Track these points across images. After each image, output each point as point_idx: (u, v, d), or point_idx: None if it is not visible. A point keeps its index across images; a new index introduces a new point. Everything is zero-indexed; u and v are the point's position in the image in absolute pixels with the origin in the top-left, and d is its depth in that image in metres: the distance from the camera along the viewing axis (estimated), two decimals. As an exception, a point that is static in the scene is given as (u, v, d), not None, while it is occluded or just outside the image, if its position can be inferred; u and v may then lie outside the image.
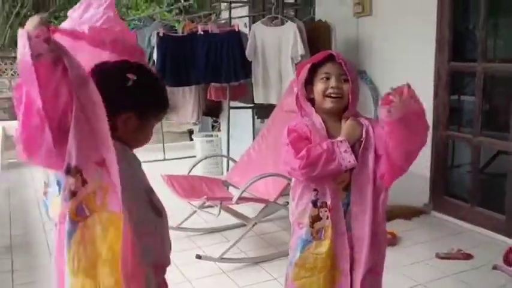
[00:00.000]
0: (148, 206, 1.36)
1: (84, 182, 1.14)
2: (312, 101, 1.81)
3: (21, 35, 1.03)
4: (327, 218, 1.74)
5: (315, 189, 1.74)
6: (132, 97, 1.27)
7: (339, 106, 1.76)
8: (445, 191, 3.99)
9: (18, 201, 4.49)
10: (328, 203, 1.73)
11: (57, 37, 1.13)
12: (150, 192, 1.40)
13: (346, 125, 1.74)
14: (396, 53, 4.21)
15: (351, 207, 1.77)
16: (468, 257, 3.16)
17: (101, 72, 1.26)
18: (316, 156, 1.64)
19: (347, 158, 1.66)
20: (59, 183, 1.18)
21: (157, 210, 1.39)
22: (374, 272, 1.82)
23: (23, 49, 1.02)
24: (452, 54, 3.79)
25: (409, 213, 3.95)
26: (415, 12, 3.99)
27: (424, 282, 2.85)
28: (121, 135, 1.30)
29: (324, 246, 1.74)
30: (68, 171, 1.14)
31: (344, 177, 1.75)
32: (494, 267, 3.00)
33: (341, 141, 1.68)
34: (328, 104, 1.75)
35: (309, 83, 1.80)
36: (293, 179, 1.85)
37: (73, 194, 1.15)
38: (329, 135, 1.75)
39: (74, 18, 1.23)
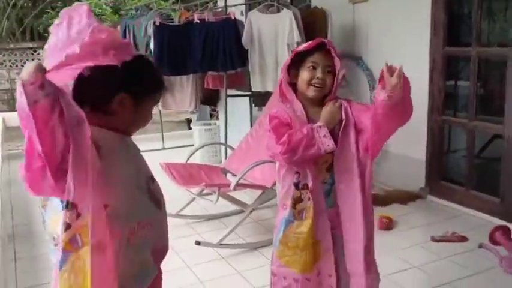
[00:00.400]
0: (147, 196, 1.38)
1: (78, 215, 1.20)
2: (293, 86, 1.88)
3: (19, 84, 1.06)
4: (308, 199, 1.82)
5: (297, 172, 1.82)
6: (123, 78, 1.28)
7: (321, 95, 1.84)
8: (441, 175, 4.03)
9: (20, 191, 4.53)
10: (309, 184, 1.81)
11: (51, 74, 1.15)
12: (149, 181, 1.42)
13: (325, 111, 1.81)
14: (392, 39, 4.23)
15: (337, 186, 1.85)
16: (463, 239, 3.21)
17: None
18: (296, 142, 1.71)
19: (326, 143, 1.74)
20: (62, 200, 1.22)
21: (157, 201, 1.42)
22: (368, 248, 1.88)
23: (20, 97, 1.06)
24: (448, 39, 3.81)
25: (405, 197, 4.00)
26: (410, -3, 4.00)
27: (419, 265, 2.90)
28: (119, 121, 1.32)
29: (305, 225, 1.82)
30: (66, 207, 1.20)
31: (326, 158, 1.83)
32: (480, 246, 3.08)
33: (320, 127, 1.76)
34: (311, 92, 1.83)
35: (292, 67, 1.86)
36: (277, 163, 1.92)
37: (68, 226, 1.21)
38: (309, 120, 1.82)
39: (61, 39, 1.23)
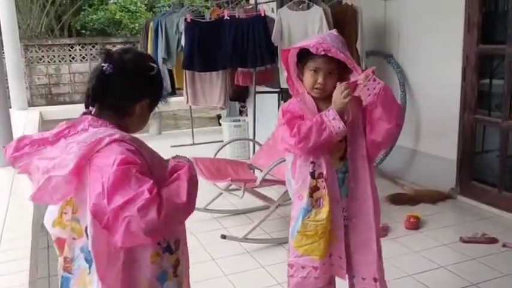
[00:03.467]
0: None
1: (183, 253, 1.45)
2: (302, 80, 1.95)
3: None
4: (324, 187, 1.88)
5: (312, 162, 1.88)
6: (152, 85, 1.39)
7: (323, 95, 1.88)
8: (472, 175, 3.94)
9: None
10: (324, 172, 1.87)
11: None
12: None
13: (333, 96, 1.83)
14: (423, 36, 4.16)
15: (352, 173, 1.91)
16: (493, 241, 3.14)
17: (122, 60, 1.33)
18: (306, 130, 1.77)
19: (336, 125, 1.77)
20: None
21: None
22: (378, 237, 1.98)
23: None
24: (481, 36, 3.72)
25: (434, 197, 3.94)
26: (444, -6, 3.93)
27: (446, 265, 2.86)
28: (132, 122, 1.38)
29: (324, 212, 1.88)
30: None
31: (339, 146, 1.89)
32: (504, 245, 3.04)
33: (328, 111, 1.80)
34: (314, 94, 1.90)
35: (300, 62, 1.91)
36: (289, 157, 1.98)
37: (178, 262, 1.41)
38: (319, 111, 1.87)
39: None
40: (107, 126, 1.30)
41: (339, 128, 1.77)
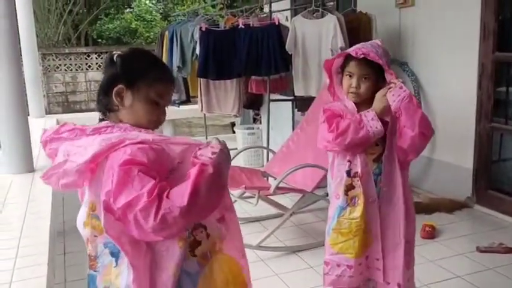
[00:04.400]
0: None
1: (208, 235, 1.37)
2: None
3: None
4: (359, 186, 1.92)
5: (349, 161, 1.94)
6: (118, 68, 1.34)
7: (359, 100, 1.96)
8: (489, 184, 3.90)
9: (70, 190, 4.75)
10: (359, 171, 1.92)
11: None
12: None
13: (375, 99, 1.89)
14: (439, 44, 4.15)
15: (385, 176, 1.94)
16: (510, 250, 3.10)
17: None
18: (345, 127, 1.84)
19: (374, 125, 1.83)
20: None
21: None
22: (408, 243, 1.99)
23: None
24: (497, 43, 3.70)
25: (450, 206, 3.90)
26: (459, 1, 3.91)
27: (462, 275, 2.83)
28: (128, 116, 1.34)
29: (358, 211, 1.93)
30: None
31: (374, 149, 1.94)
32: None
33: (368, 111, 1.86)
34: (349, 97, 1.98)
35: (341, 71, 2.00)
36: (330, 157, 2.04)
37: (198, 243, 1.36)
38: None
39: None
40: (131, 129, 1.31)
41: (376, 128, 1.83)
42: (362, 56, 1.86)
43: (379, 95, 1.87)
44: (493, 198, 3.82)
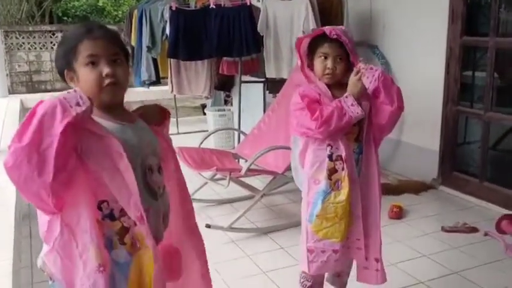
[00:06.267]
0: (142, 187, 1.35)
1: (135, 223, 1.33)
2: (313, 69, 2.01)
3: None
4: (342, 169, 1.93)
5: (329, 145, 1.94)
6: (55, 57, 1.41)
7: (334, 81, 1.96)
8: (455, 166, 4.01)
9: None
10: (343, 155, 1.93)
11: None
12: (149, 171, 1.39)
13: (349, 83, 1.90)
14: (408, 28, 4.19)
15: (364, 155, 1.99)
16: (473, 230, 3.20)
17: None
18: (328, 115, 1.84)
19: (355, 110, 1.86)
20: None
21: (153, 192, 1.40)
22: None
23: None
24: (465, 28, 3.76)
25: (417, 187, 3.99)
26: (429, -15, 3.95)
27: (428, 254, 2.91)
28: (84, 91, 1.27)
29: (343, 194, 1.94)
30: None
31: (353, 129, 1.95)
32: (486, 234, 3.12)
33: (346, 97, 1.88)
34: (325, 80, 1.96)
35: (309, 53, 1.99)
36: (294, 148, 2.04)
37: (126, 230, 1.33)
38: (334, 97, 1.93)
39: None
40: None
41: (357, 113, 1.86)
42: (335, 36, 1.87)
43: (353, 79, 1.88)
44: (458, 179, 3.93)
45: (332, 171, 1.95)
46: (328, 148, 1.94)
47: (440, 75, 3.92)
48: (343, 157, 1.92)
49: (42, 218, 1.30)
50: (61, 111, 1.13)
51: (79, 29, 1.36)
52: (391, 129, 2.00)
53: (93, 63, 1.31)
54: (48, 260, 1.32)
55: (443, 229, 3.23)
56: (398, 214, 3.43)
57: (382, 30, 4.47)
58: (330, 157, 1.94)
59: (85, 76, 1.32)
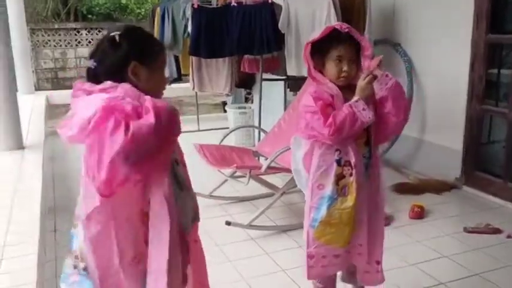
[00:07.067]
0: (172, 178, 1.44)
1: None
2: (321, 71, 1.95)
3: None
4: (350, 175, 1.89)
5: (337, 150, 1.89)
6: (126, 48, 1.40)
7: (348, 83, 1.92)
8: (478, 166, 3.94)
9: (61, 166, 4.73)
10: (352, 161, 1.88)
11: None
12: (175, 163, 1.49)
13: (358, 87, 1.87)
14: (432, 26, 4.13)
15: (373, 159, 1.96)
16: (497, 231, 3.15)
17: (97, 49, 1.44)
18: (341, 122, 1.80)
19: (366, 115, 1.82)
20: None
21: (181, 183, 1.49)
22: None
23: None
24: (491, 26, 3.69)
25: (439, 187, 3.94)
26: (453, -18, 3.89)
27: (449, 255, 2.87)
28: (142, 89, 1.39)
29: (350, 200, 1.89)
30: None
31: (363, 133, 1.91)
32: (509, 236, 3.07)
33: (356, 101, 1.83)
34: (339, 83, 1.91)
35: (316, 54, 1.93)
36: (297, 150, 2.01)
37: None
38: (345, 99, 1.88)
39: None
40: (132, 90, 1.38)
41: (369, 118, 1.82)
42: (346, 30, 1.84)
43: (362, 83, 1.84)
44: (481, 179, 3.87)
45: (340, 177, 1.89)
46: (337, 153, 1.89)
47: (464, 73, 3.86)
48: (352, 163, 1.87)
49: (89, 204, 1.41)
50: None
51: (160, 42, 1.57)
52: (391, 139, 2.02)
53: (163, 71, 1.54)
54: (87, 246, 1.38)
55: (466, 230, 3.18)
56: (419, 214, 3.40)
57: (405, 27, 4.42)
58: (338, 162, 1.89)
59: (157, 81, 1.49)
